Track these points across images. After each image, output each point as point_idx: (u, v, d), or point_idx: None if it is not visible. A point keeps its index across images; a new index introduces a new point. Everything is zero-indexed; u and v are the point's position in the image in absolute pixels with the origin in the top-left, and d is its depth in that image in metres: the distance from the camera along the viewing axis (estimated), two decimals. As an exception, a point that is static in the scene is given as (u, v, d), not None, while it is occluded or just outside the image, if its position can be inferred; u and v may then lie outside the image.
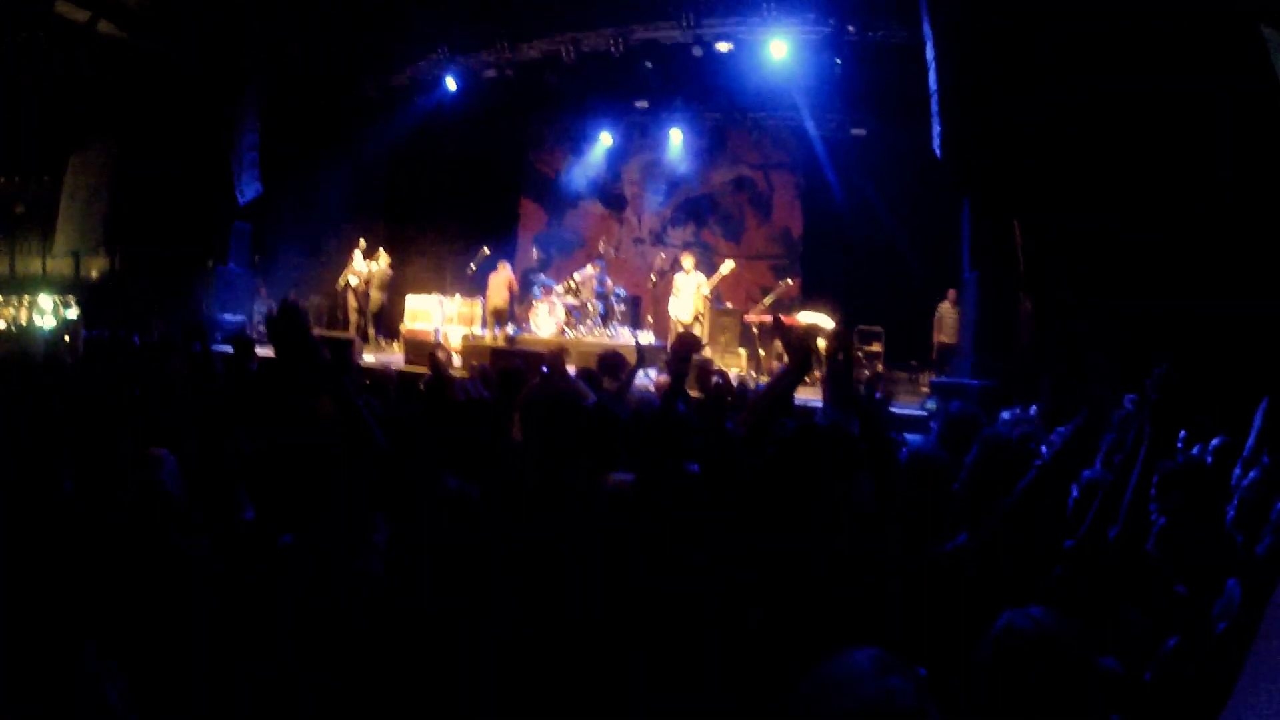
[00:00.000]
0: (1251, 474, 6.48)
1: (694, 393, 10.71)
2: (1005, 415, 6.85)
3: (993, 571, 3.85)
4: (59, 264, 23.69)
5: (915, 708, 1.88)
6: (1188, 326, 11.99)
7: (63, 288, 22.68)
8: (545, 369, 7.92)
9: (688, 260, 18.55)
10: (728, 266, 18.66)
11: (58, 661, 3.29)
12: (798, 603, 3.47)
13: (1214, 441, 7.23)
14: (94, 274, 22.68)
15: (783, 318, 16.65)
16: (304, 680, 3.38)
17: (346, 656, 3.44)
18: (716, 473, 4.45)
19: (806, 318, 17.83)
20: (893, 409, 10.03)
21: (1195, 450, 7.39)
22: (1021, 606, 2.70)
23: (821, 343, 17.43)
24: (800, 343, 4.78)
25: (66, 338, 10.67)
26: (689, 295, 18.05)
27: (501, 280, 20.00)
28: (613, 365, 9.31)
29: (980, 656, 2.63)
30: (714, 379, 8.24)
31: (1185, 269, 12.27)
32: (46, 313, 21.93)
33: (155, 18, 19.38)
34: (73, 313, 21.45)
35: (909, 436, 7.14)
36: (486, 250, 20.52)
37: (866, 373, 16.66)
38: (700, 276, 18.28)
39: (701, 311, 18.14)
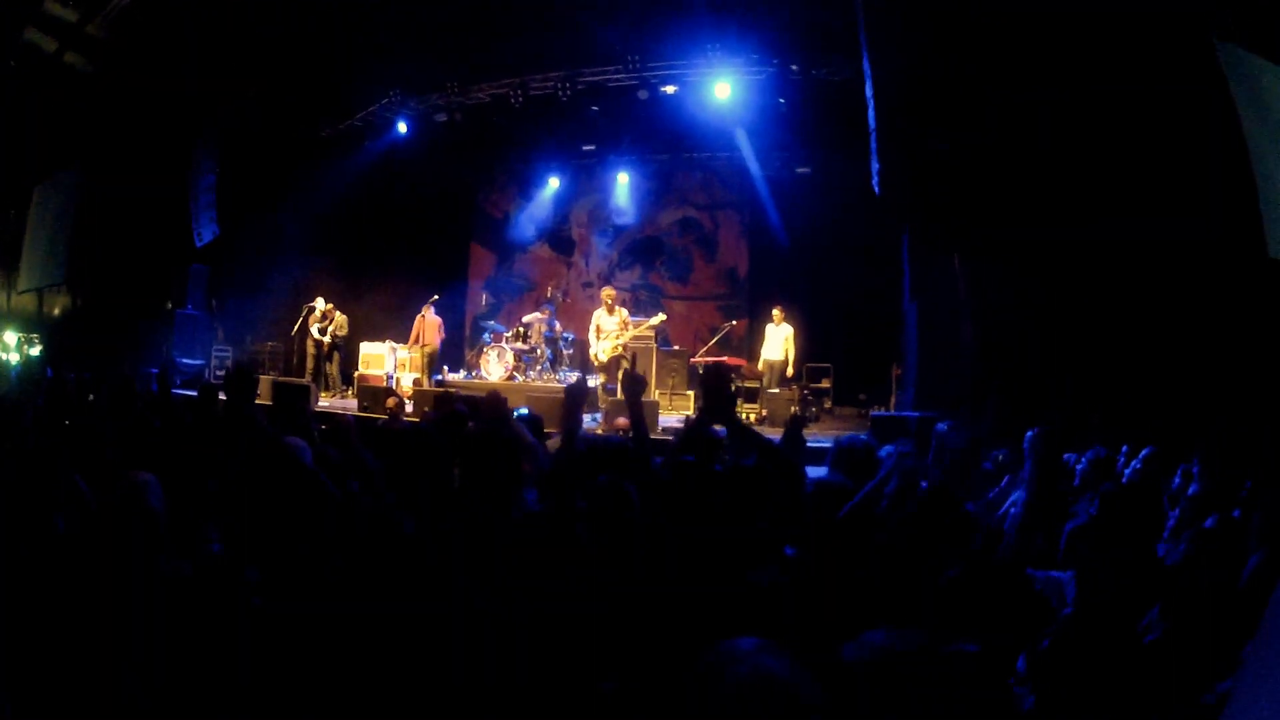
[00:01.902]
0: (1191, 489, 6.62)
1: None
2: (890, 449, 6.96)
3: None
4: (23, 300, 23.52)
5: (786, 680, 2.20)
6: (1124, 350, 12.19)
7: (27, 324, 22.51)
8: (484, 412, 7.95)
9: (608, 294, 18.34)
10: (658, 319, 18.59)
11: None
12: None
13: (1144, 451, 7.35)
14: (56, 312, 22.53)
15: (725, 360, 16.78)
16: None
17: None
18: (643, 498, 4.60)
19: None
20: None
21: (1128, 462, 7.53)
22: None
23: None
24: (708, 385, 4.99)
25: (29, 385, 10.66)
26: (610, 333, 17.79)
27: (434, 325, 20.03)
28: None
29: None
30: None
31: (1124, 300, 12.46)
32: (11, 349, 21.75)
33: (119, 52, 19.30)
34: (36, 350, 21.31)
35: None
36: (436, 297, 20.49)
37: (794, 408, 16.75)
38: (625, 314, 18.10)
39: (620, 353, 17.76)
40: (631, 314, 18.35)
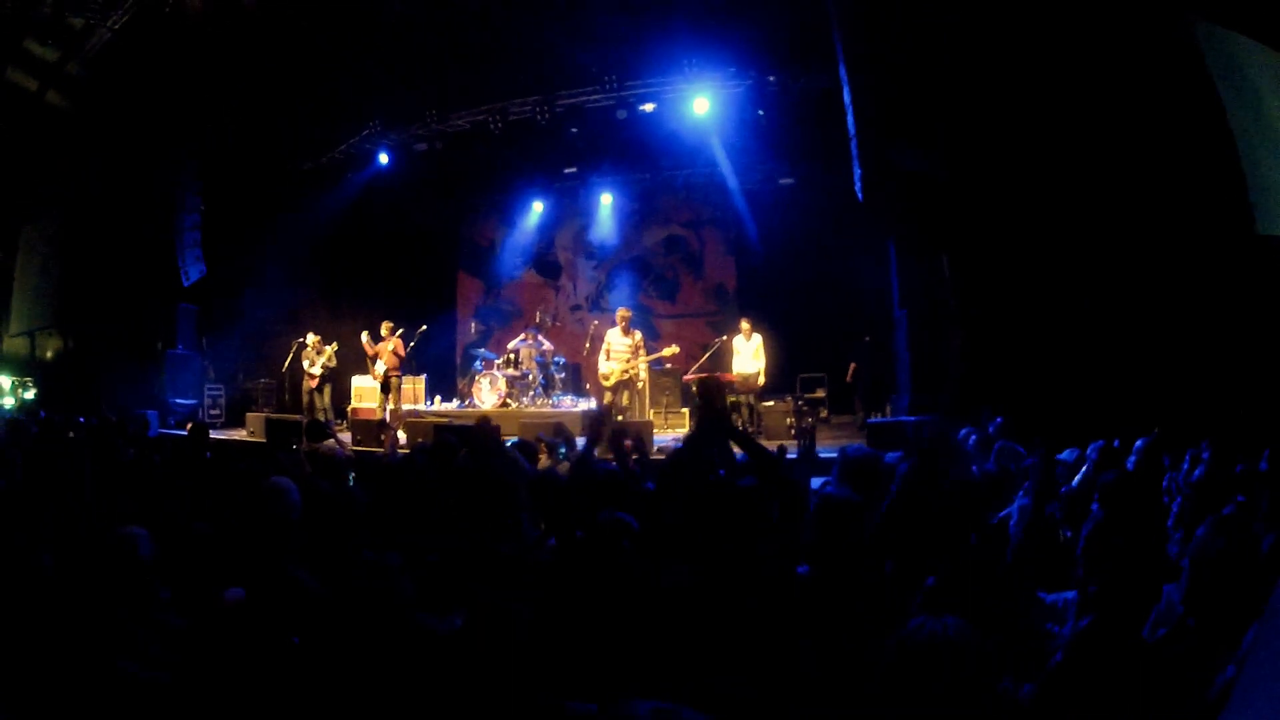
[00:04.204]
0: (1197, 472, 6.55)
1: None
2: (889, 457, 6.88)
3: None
4: (15, 343, 23.46)
5: None
6: (1117, 344, 12.13)
7: (21, 368, 22.44)
8: (476, 441, 7.92)
9: (623, 314, 18.10)
10: (670, 351, 18.36)
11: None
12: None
13: (1138, 442, 7.27)
14: (49, 354, 22.48)
15: (717, 376, 16.70)
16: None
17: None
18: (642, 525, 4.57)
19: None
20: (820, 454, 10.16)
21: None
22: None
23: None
24: (705, 400, 4.93)
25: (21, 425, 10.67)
26: (620, 354, 17.62)
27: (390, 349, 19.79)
28: (568, 437, 9.36)
29: (890, 655, 2.64)
30: (625, 443, 8.27)
31: (1116, 293, 12.43)
32: (6, 392, 21.67)
33: (100, 91, 19.27)
34: (31, 393, 21.23)
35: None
36: (425, 327, 20.37)
37: (790, 419, 16.79)
38: (639, 336, 17.93)
39: (634, 374, 17.66)
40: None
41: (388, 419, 18.27)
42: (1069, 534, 5.83)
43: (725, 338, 19.28)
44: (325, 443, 12.64)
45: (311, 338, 20.14)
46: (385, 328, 19.46)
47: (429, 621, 3.87)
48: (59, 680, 3.73)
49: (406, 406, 19.75)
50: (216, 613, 4.12)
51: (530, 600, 3.89)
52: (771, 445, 5.49)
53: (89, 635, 3.88)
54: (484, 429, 7.41)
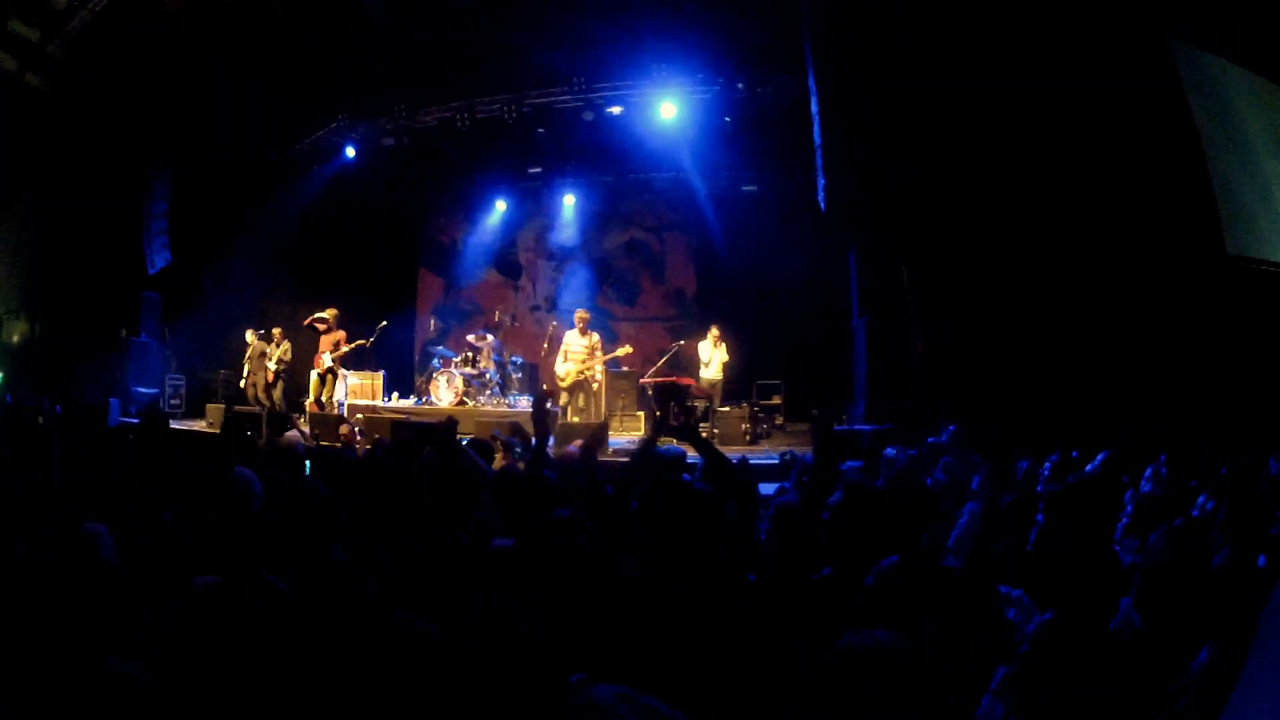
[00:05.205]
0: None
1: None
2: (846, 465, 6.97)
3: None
4: (-17, 327, 23.25)
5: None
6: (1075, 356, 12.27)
7: (-12, 352, 22.24)
8: (437, 440, 7.96)
9: (581, 316, 18.19)
10: (624, 350, 18.49)
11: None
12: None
13: (1100, 455, 7.41)
14: (15, 339, 22.27)
15: (677, 380, 16.78)
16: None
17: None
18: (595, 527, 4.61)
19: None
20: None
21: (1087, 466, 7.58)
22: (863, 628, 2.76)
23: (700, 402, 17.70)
24: (659, 402, 5.02)
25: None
26: (577, 355, 17.69)
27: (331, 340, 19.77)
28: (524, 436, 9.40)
29: (820, 673, 2.68)
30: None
31: (1075, 305, 12.58)
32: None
33: (76, 75, 19.11)
34: None
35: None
36: (385, 323, 20.32)
37: (743, 426, 16.94)
38: (596, 338, 18.00)
39: (589, 375, 17.75)
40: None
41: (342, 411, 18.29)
42: (1011, 540, 5.92)
43: (683, 343, 19.37)
44: (287, 434, 12.70)
45: (251, 334, 20.20)
46: (331, 314, 19.58)
47: (408, 618, 3.89)
48: (35, 672, 3.74)
49: (363, 402, 19.71)
50: (188, 601, 4.14)
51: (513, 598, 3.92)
52: (731, 452, 5.58)
53: (61, 625, 3.89)
54: (447, 427, 7.46)
